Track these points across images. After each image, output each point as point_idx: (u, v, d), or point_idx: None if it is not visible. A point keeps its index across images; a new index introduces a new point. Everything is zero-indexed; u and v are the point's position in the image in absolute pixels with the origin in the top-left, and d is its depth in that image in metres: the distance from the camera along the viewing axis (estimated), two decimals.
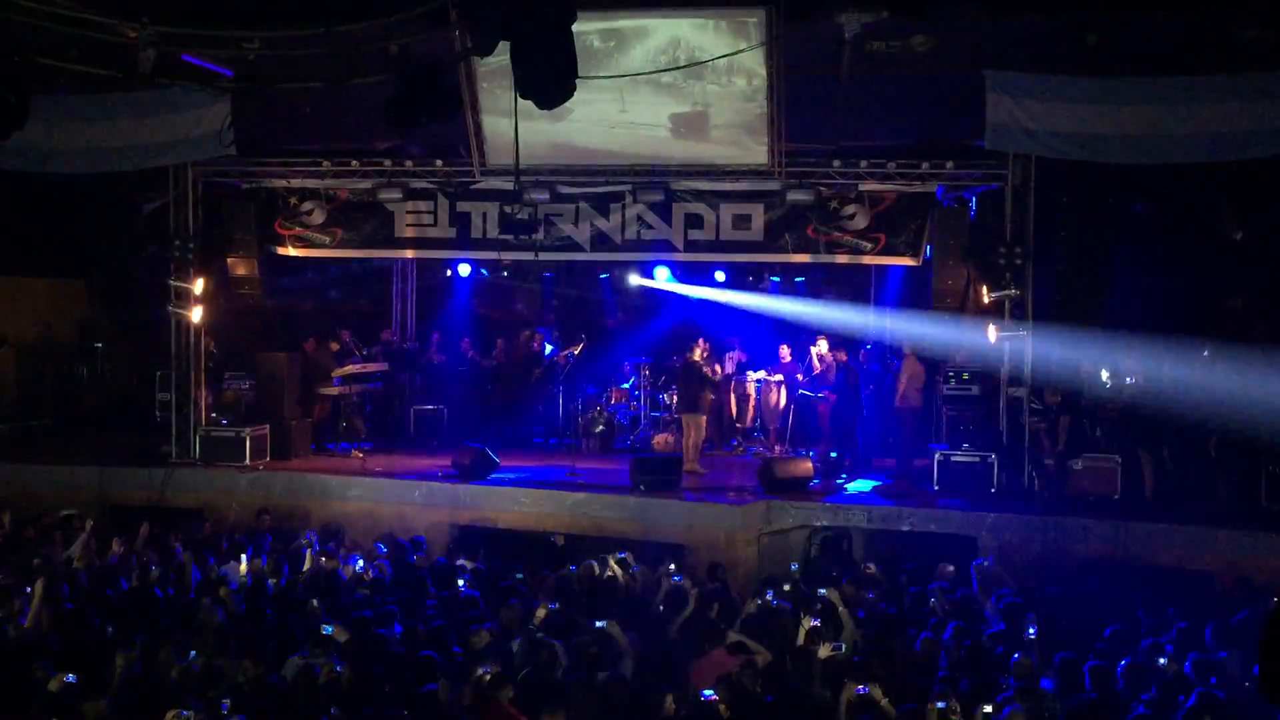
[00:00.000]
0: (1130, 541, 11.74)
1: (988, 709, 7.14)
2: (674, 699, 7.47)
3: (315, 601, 9.43)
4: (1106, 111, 12.39)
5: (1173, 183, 14.07)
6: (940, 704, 6.94)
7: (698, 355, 14.72)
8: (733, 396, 16.48)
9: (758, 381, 16.39)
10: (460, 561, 11.17)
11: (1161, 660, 7.97)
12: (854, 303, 17.44)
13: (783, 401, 16.18)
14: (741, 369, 16.66)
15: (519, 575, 10.76)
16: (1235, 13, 12.19)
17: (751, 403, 16.46)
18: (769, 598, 9.87)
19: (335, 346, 16.41)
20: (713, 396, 15.55)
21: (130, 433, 16.45)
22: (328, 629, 8.46)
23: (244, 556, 11.01)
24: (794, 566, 11.35)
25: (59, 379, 18.71)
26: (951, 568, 10.84)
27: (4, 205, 16.24)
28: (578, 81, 7.27)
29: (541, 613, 9.01)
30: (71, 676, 7.40)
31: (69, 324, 19.33)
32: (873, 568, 10.90)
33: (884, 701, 7.22)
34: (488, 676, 7.65)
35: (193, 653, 8.05)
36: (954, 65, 12.95)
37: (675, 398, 15.48)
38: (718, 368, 15.62)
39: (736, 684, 7.77)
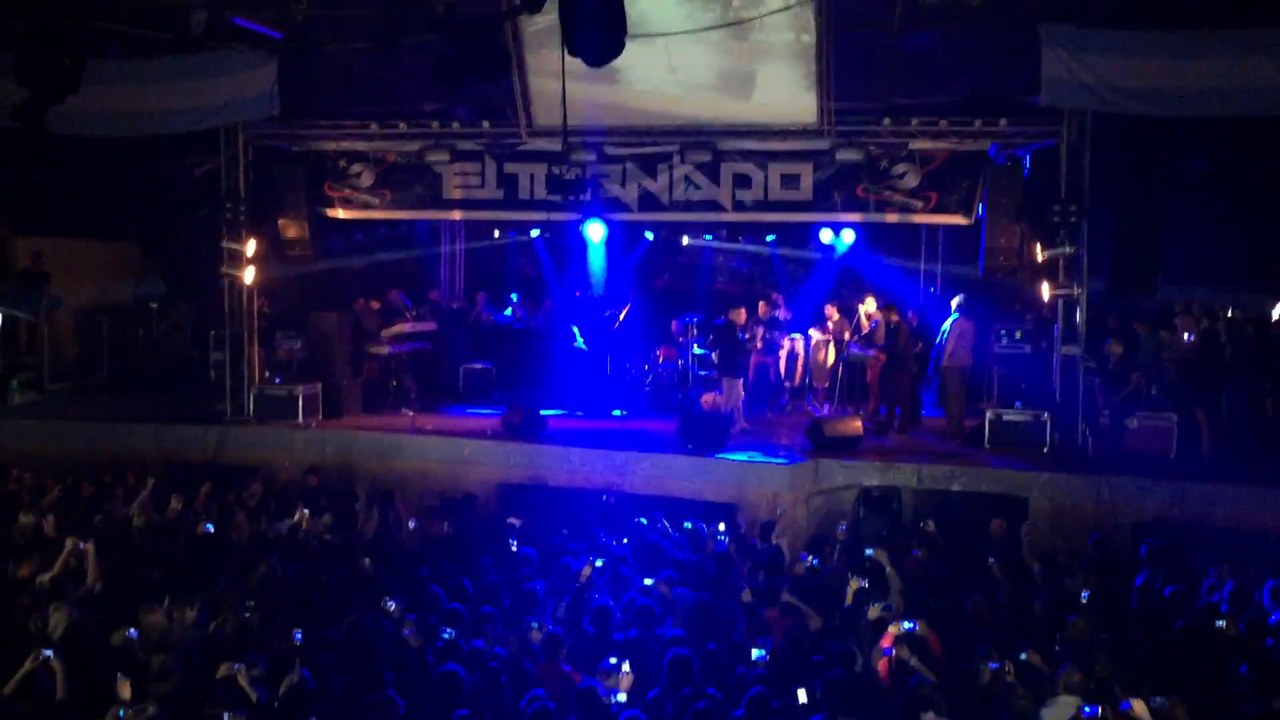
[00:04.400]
0: (1188, 501, 11.60)
1: (1041, 668, 7.15)
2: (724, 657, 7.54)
3: (368, 560, 9.57)
4: (1165, 65, 12.11)
5: (1232, 138, 13.78)
6: (993, 664, 6.94)
7: (741, 317, 14.68)
8: (782, 356, 16.41)
9: (806, 341, 16.32)
10: (510, 520, 11.27)
11: (1220, 623, 7.88)
12: (905, 260, 17.34)
13: (831, 360, 16.10)
14: (789, 328, 16.57)
15: (564, 532, 10.83)
16: None
17: (800, 362, 16.39)
18: (816, 560, 9.90)
19: (376, 305, 16.55)
20: (763, 359, 15.62)
21: (185, 392, 16.70)
22: (390, 604, 8.35)
23: (300, 514, 11.17)
24: (841, 528, 11.31)
25: (115, 339, 19.02)
26: (1002, 525, 10.79)
27: (60, 169, 16.46)
28: (626, 40, 7.21)
29: (587, 570, 9.08)
30: (133, 631, 7.57)
31: (124, 286, 19.62)
32: (932, 525, 10.86)
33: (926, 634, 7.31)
34: (540, 634, 7.75)
35: (250, 603, 8.21)
36: (1008, 20, 12.69)
37: (716, 358, 15.46)
38: (759, 330, 15.60)
39: (785, 643, 7.82)
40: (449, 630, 7.85)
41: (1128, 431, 12.99)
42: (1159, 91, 12.09)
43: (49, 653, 6.91)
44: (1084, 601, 8.49)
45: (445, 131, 15.00)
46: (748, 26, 12.96)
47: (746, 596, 8.97)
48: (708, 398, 15.52)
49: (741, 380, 14.73)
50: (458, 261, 19.91)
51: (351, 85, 14.46)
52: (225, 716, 6.20)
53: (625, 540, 10.55)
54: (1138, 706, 6.34)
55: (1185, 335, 13.16)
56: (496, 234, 18.96)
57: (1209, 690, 6.98)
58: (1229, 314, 13.14)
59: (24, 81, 8.60)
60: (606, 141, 14.62)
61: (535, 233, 17.90)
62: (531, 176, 15.21)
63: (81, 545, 9.24)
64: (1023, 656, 7.25)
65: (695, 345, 16.22)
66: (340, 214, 15.93)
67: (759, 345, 15.91)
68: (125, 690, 6.54)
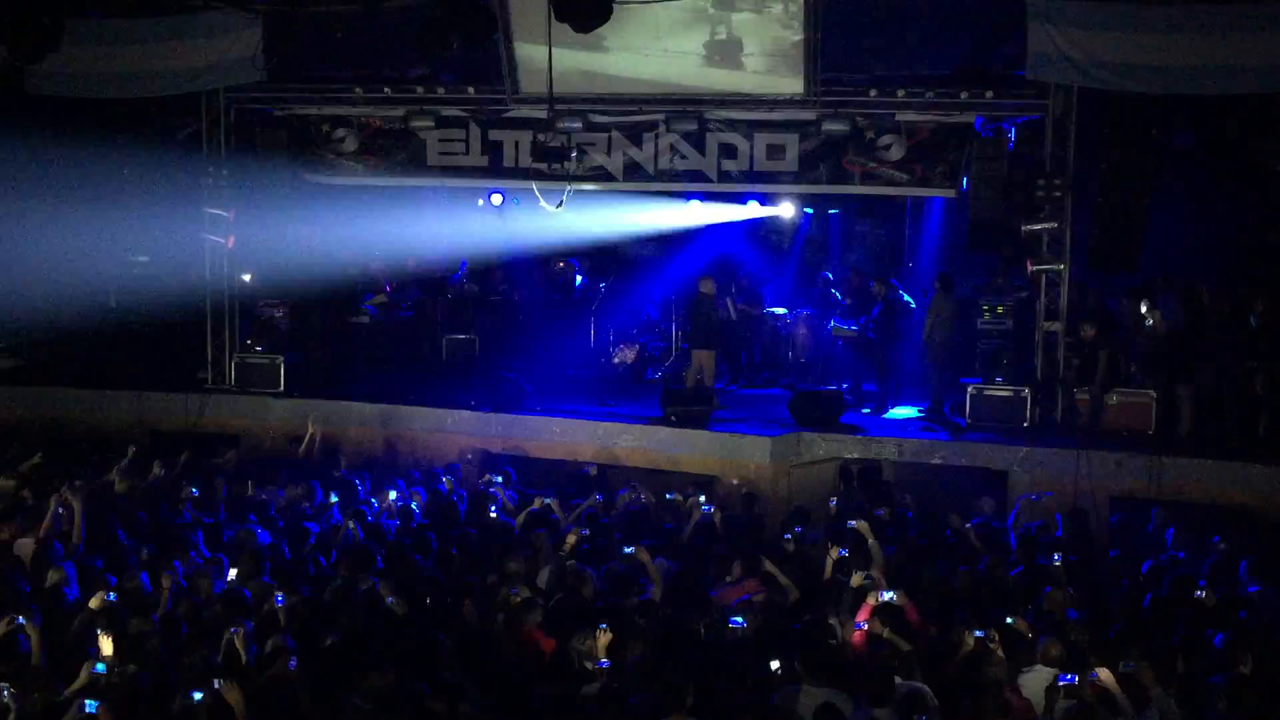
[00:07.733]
0: (1164, 476, 11.69)
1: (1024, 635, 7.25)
2: (703, 625, 7.59)
3: (353, 524, 9.58)
4: (1151, 40, 12.09)
5: (1217, 115, 13.78)
6: (978, 632, 7.01)
7: (710, 287, 14.62)
8: (764, 329, 16.42)
9: (789, 314, 16.32)
10: (491, 481, 11.29)
11: (1198, 593, 7.97)
12: (889, 234, 17.33)
13: (814, 334, 16.11)
14: (770, 302, 16.57)
15: (547, 501, 10.85)
16: None
17: (783, 335, 16.40)
18: (797, 530, 9.94)
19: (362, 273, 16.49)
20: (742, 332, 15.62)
21: (167, 359, 16.57)
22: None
23: (282, 481, 11.15)
24: (832, 502, 11.24)
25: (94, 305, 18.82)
26: (991, 502, 10.87)
27: (38, 130, 16.24)
28: (613, 7, 7.17)
29: (572, 539, 9.11)
30: (112, 595, 7.55)
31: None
32: (909, 498, 10.91)
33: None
34: (518, 600, 7.77)
35: (233, 572, 8.20)
36: None
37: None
38: (730, 303, 15.57)
39: (763, 611, 7.87)
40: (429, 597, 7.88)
41: (1107, 408, 13.05)
42: (1144, 67, 12.07)
43: (21, 619, 6.87)
44: (1059, 572, 8.56)
45: (430, 97, 14.88)
46: None
47: (726, 567, 9.00)
48: (690, 371, 15.52)
49: (712, 353, 14.67)
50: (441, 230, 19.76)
51: (336, 49, 14.33)
52: (216, 683, 6.16)
53: (607, 509, 10.58)
54: (1104, 675, 6.42)
55: (1166, 311, 13.18)
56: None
57: (1184, 658, 7.06)
58: (1212, 290, 13.16)
59: (3, 41, 8.51)
60: (592, 109, 14.49)
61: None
62: (516, 144, 15.06)
63: (60, 510, 9.22)
64: (1010, 621, 7.35)
65: (678, 317, 16.20)
66: (323, 179, 15.81)
67: (733, 317, 15.88)
68: (107, 646, 6.53)
